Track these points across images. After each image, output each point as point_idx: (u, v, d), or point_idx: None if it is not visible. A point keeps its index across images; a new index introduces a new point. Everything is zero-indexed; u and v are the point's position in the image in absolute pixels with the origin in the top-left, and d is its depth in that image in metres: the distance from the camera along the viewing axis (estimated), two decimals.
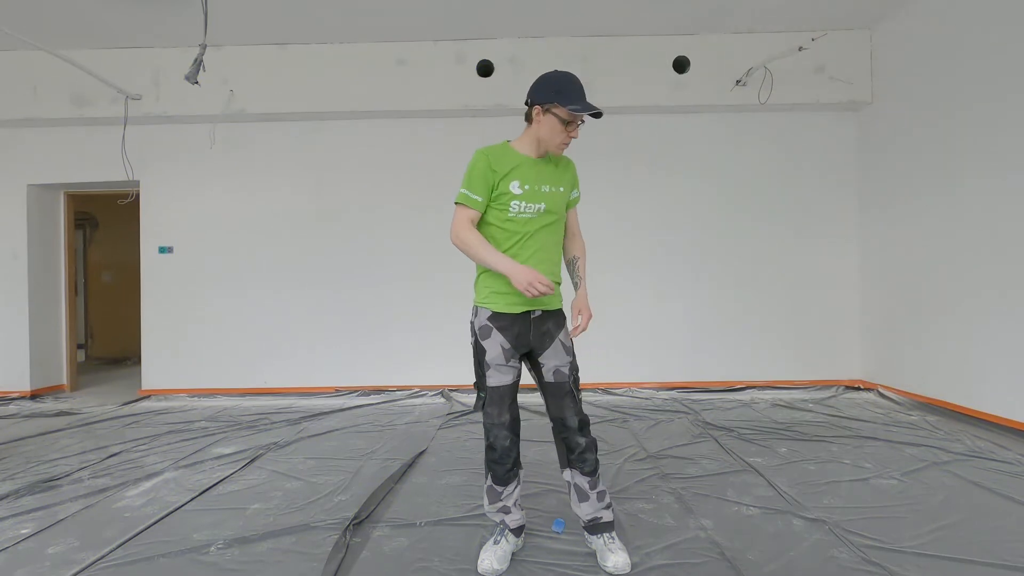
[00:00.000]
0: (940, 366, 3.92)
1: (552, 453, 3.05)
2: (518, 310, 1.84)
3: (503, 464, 1.86)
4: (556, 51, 4.67)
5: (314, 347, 4.88)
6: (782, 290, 4.81)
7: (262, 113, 4.77)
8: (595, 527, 1.89)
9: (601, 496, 1.89)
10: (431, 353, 4.85)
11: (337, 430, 3.72)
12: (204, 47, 3.63)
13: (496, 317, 1.85)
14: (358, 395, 4.78)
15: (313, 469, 2.90)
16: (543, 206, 1.85)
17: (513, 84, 4.65)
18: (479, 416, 4.00)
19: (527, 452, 3.09)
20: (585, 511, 1.89)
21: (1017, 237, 3.31)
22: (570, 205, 2.01)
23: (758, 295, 4.82)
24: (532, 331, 1.86)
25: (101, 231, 7.71)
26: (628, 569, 1.79)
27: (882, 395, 4.47)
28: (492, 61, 4.70)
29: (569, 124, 1.81)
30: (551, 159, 1.91)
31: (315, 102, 4.73)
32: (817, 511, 2.26)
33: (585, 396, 4.63)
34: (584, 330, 1.93)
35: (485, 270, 1.89)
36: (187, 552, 1.99)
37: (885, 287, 4.52)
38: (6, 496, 2.54)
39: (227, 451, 3.25)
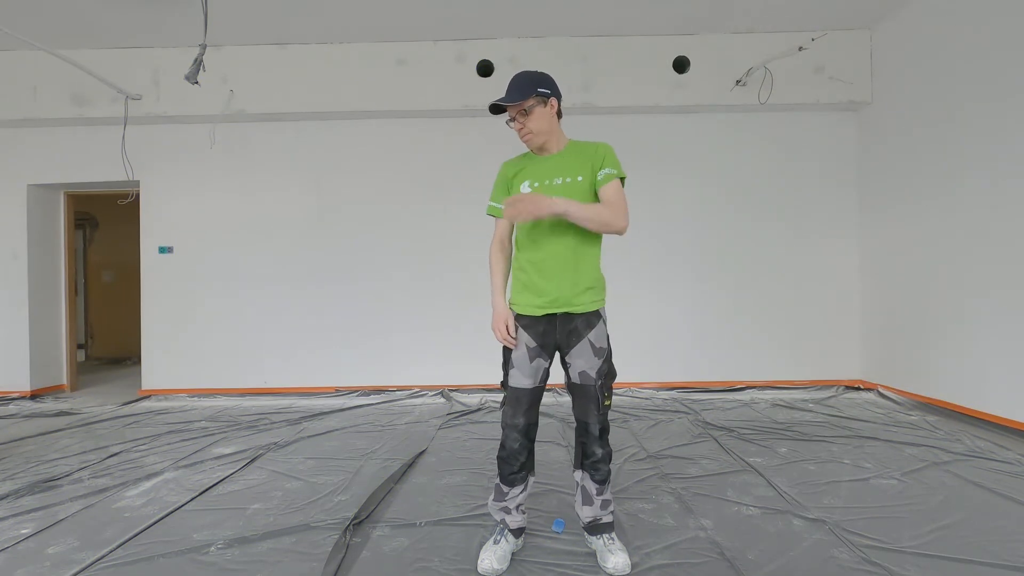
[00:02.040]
0: (940, 366, 3.92)
1: (553, 453, 3.08)
2: (539, 313, 1.84)
3: (510, 465, 1.87)
4: (556, 51, 4.67)
5: (314, 347, 4.88)
6: (782, 290, 4.81)
7: (262, 113, 4.77)
8: (595, 527, 1.90)
9: (605, 504, 1.89)
10: (431, 353, 4.85)
11: (337, 430, 3.72)
12: (204, 47, 3.63)
13: (520, 317, 1.88)
14: (358, 395, 4.78)
15: (313, 469, 2.90)
16: None
17: None
18: (479, 416, 4.04)
19: None
20: (586, 513, 1.90)
21: (1017, 237, 3.31)
22: (599, 185, 1.81)
23: (758, 295, 4.82)
24: (558, 328, 1.84)
25: (101, 231, 7.71)
26: (628, 570, 1.78)
27: (882, 395, 4.47)
28: (492, 61, 4.70)
29: (511, 120, 1.87)
30: (569, 151, 1.89)
31: (315, 102, 4.73)
32: (817, 511, 2.26)
33: None
34: (512, 208, 1.67)
35: (514, 269, 1.93)
36: (187, 552, 1.99)
37: (885, 287, 4.52)
38: (6, 496, 2.54)
39: (227, 451, 3.25)
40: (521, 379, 1.84)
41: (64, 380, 5.29)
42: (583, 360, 1.82)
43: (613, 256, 4.96)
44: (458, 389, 4.78)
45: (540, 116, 1.82)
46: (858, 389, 4.73)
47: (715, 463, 2.89)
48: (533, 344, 1.84)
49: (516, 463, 1.86)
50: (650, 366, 4.82)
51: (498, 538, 1.89)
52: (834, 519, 2.18)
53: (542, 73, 1.85)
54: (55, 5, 4.08)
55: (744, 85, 4.59)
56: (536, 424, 1.90)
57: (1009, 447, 3.08)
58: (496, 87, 4.68)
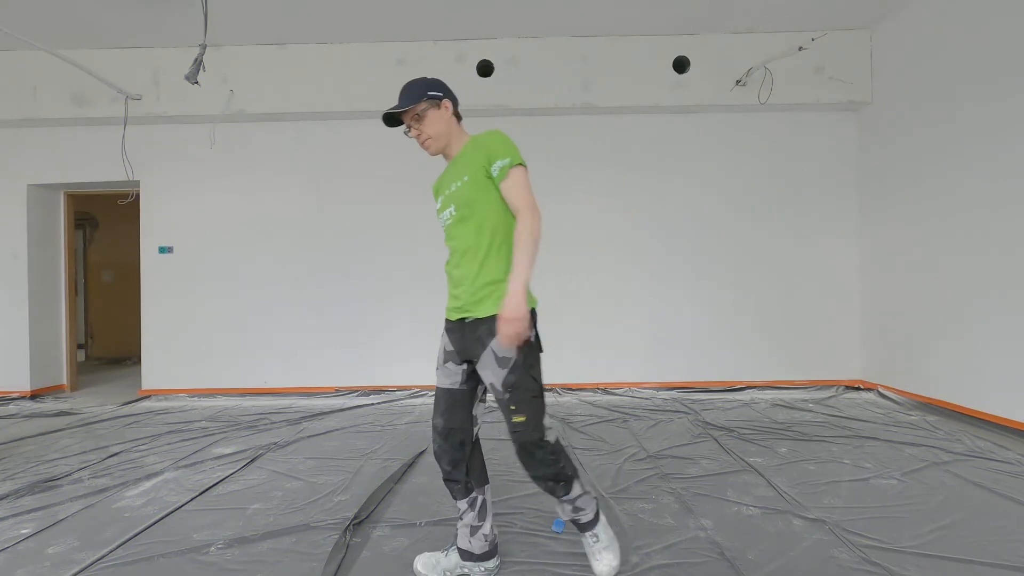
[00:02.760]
0: (940, 366, 3.92)
1: None
2: (453, 316, 1.78)
3: (440, 467, 1.79)
4: (556, 51, 4.67)
5: (314, 347, 4.88)
6: (782, 290, 4.81)
7: (262, 113, 4.77)
8: (579, 527, 1.81)
9: (576, 509, 1.75)
10: (431, 353, 4.84)
11: (337, 430, 3.72)
12: (204, 47, 3.63)
13: (446, 321, 1.82)
14: (358, 395, 4.78)
15: (313, 469, 2.90)
16: (452, 208, 1.76)
17: (513, 84, 4.65)
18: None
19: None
20: (561, 512, 1.80)
21: (1018, 237, 3.31)
22: (497, 180, 1.69)
23: (758, 295, 4.81)
24: (466, 336, 1.72)
25: (101, 231, 7.71)
26: (612, 568, 1.74)
27: (882, 395, 4.47)
28: (492, 61, 4.70)
29: (408, 130, 1.81)
30: (464, 149, 1.81)
31: (315, 102, 4.73)
32: (817, 511, 2.26)
33: (585, 396, 4.64)
34: (505, 342, 1.57)
35: None
36: (187, 552, 1.99)
37: (885, 287, 4.52)
38: (6, 496, 2.54)
39: (227, 451, 3.25)
40: (440, 379, 1.81)
41: (64, 380, 5.29)
42: (489, 371, 1.66)
43: (613, 256, 5.00)
44: None
45: (434, 119, 1.77)
46: (858, 389, 4.73)
47: (715, 463, 2.89)
48: (450, 348, 1.78)
49: (443, 468, 1.78)
50: (650, 366, 4.82)
51: (448, 549, 1.85)
52: (834, 519, 2.18)
53: (433, 78, 1.82)
54: (55, 5, 4.08)
55: (744, 85, 4.59)
56: (460, 431, 1.75)
57: (1009, 447, 3.08)
58: (496, 87, 4.68)
